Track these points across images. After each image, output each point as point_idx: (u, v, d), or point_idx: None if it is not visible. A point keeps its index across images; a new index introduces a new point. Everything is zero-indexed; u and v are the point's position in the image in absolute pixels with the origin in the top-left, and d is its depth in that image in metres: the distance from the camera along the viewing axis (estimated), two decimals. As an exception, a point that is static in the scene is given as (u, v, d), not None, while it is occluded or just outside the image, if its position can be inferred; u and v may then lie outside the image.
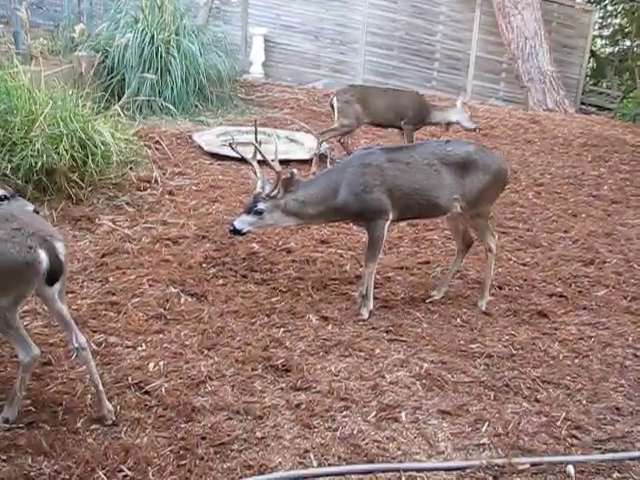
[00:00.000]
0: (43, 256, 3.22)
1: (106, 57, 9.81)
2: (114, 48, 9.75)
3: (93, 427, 3.52)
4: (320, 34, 15.14)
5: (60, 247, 3.33)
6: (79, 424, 3.52)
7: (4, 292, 3.21)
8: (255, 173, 4.96)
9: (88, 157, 6.24)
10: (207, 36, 10.87)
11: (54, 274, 3.30)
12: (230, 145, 5.19)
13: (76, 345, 3.46)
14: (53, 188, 6.08)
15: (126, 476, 3.20)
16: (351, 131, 8.58)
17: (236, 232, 4.91)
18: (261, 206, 4.80)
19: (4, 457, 3.24)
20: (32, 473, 3.16)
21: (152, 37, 9.94)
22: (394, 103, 8.55)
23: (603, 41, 22.73)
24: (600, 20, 20.71)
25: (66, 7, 11.27)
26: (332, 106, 8.48)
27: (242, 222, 4.86)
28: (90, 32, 10.06)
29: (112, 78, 9.56)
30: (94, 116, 6.68)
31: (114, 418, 3.56)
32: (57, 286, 3.36)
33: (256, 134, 5.08)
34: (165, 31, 10.09)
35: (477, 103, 13.42)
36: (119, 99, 8.17)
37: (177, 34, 10.18)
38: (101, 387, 3.54)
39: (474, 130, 8.94)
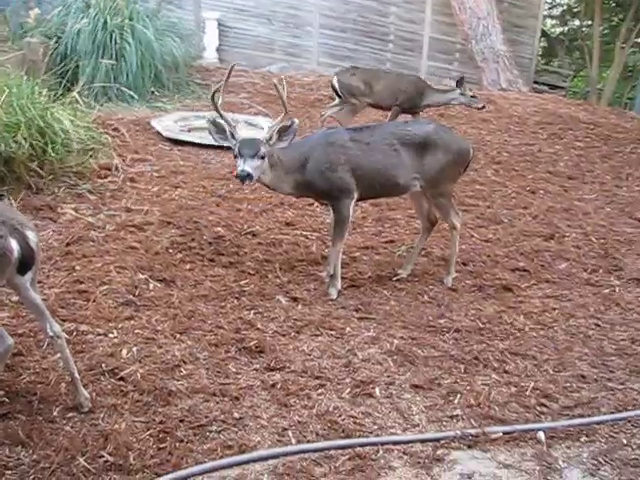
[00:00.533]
0: (14, 245, 3.18)
1: (58, 43, 9.65)
2: (67, 34, 9.62)
3: (70, 415, 3.50)
4: (273, 17, 15.02)
5: (31, 235, 3.29)
6: (55, 413, 3.50)
7: None
8: (226, 121, 4.70)
9: (47, 145, 6.14)
10: (161, 21, 10.77)
11: (26, 263, 3.26)
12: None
13: (51, 334, 3.43)
14: (12, 178, 5.96)
15: (107, 461, 3.19)
16: (356, 110, 8.73)
17: (246, 177, 4.55)
18: (264, 150, 4.59)
19: (-20, 449, 3.22)
20: (10, 464, 3.14)
21: (105, 22, 9.81)
22: (392, 85, 8.63)
23: (553, 21, 23.02)
24: (550, 0, 20.96)
25: (14, -7, 11.04)
26: (333, 87, 8.62)
27: (252, 166, 4.55)
28: (40, 18, 9.90)
29: (66, 65, 9.40)
30: (52, 104, 6.57)
31: (91, 405, 3.55)
32: (29, 275, 3.33)
33: (229, 75, 4.93)
34: (118, 16, 9.97)
35: (432, 84, 13.49)
36: (74, 86, 8.06)
37: (131, 19, 10.07)
38: (77, 375, 3.53)
39: (482, 108, 9.07)
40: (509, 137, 10.13)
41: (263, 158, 4.60)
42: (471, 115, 10.80)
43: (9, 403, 3.54)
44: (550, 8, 21.72)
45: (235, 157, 4.64)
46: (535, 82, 16.72)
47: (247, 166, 4.53)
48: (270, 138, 4.65)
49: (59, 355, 3.64)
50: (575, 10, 21.21)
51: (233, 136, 4.65)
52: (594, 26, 17.75)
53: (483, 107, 9.12)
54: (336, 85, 8.56)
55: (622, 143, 10.74)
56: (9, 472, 3.09)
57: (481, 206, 7.05)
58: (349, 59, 15.09)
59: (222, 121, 4.70)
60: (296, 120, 4.74)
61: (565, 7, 21.99)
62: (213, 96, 4.67)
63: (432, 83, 9.82)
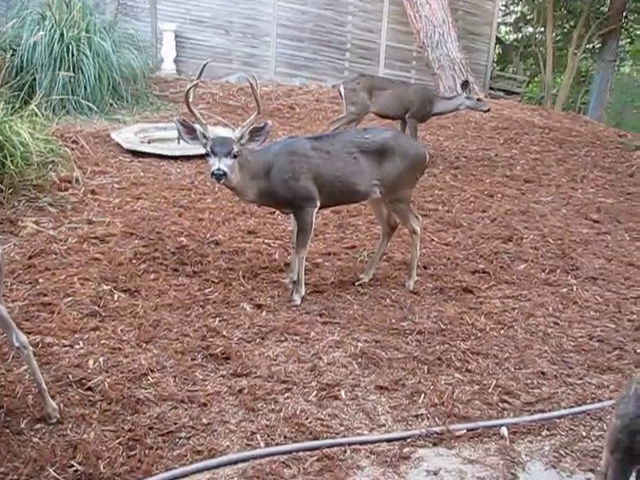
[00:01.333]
0: None
1: (14, 56, 9.58)
2: (22, 47, 9.55)
3: (37, 427, 3.51)
4: (231, 28, 15.07)
5: None
6: (23, 425, 3.50)
7: None
8: (198, 120, 4.65)
9: (6, 158, 6.11)
10: (118, 33, 10.74)
11: None
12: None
13: (17, 344, 3.44)
14: (-29, 191, 5.95)
15: (77, 471, 3.21)
16: (359, 119, 8.82)
17: (222, 175, 4.52)
18: (236, 148, 4.56)
19: (-53, 463, 3.21)
20: (-21, 476, 3.15)
21: (62, 35, 9.76)
22: (400, 95, 8.73)
23: (507, 28, 23.46)
24: (503, 8, 21.35)
25: (-33, 6, 10.95)
26: (340, 93, 8.79)
27: (227, 166, 4.53)
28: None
29: (22, 78, 9.32)
30: (9, 117, 6.54)
31: (59, 416, 3.55)
32: None
33: (201, 73, 4.88)
34: (75, 28, 9.92)
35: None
36: (31, 99, 8.01)
37: (87, 31, 10.02)
38: (44, 385, 3.53)
39: (486, 111, 9.16)
40: (466, 142, 10.31)
41: (235, 157, 4.58)
42: (429, 121, 10.94)
43: (-25, 417, 3.53)
44: (504, 15, 22.15)
45: (207, 156, 4.61)
46: (491, 88, 17.02)
47: (222, 164, 4.51)
48: (241, 137, 4.64)
49: (26, 366, 3.64)
50: (528, 17, 21.65)
51: (204, 135, 4.62)
52: (547, 33, 18.17)
53: (488, 110, 9.22)
54: (342, 92, 8.70)
55: (577, 146, 11.00)
56: (-22, 485, 3.09)
57: (440, 210, 7.17)
58: (306, 68, 15.25)
59: (191, 121, 4.70)
60: (269, 122, 4.76)
61: (519, 14, 22.43)
62: (188, 93, 4.63)
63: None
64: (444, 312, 5.05)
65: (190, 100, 4.65)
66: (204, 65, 4.88)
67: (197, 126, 4.65)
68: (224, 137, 4.66)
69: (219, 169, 4.50)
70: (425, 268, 5.73)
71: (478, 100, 9.05)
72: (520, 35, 22.55)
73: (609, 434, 2.90)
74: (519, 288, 5.56)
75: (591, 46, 19.68)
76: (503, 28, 22.74)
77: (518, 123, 12.02)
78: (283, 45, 15.20)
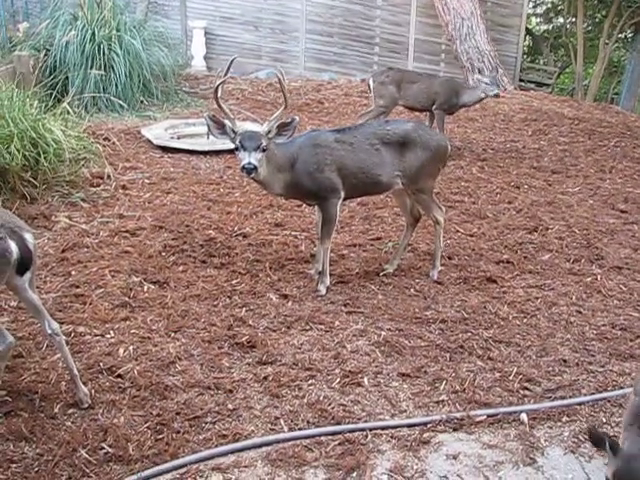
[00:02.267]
0: (13, 246, 3.33)
1: (47, 56, 9.82)
2: (55, 46, 9.77)
3: (70, 411, 3.66)
4: (260, 24, 15.21)
5: (29, 237, 3.45)
6: (56, 410, 3.65)
7: None
8: (227, 115, 4.77)
9: (40, 155, 6.30)
10: (148, 31, 10.94)
11: (24, 263, 3.41)
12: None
13: (49, 331, 3.59)
14: (7, 188, 6.13)
15: (107, 453, 3.35)
16: (387, 112, 8.96)
17: (252, 169, 4.64)
18: (265, 142, 4.67)
19: (-14, 445, 3.37)
20: (15, 457, 3.29)
21: (93, 34, 9.98)
22: (427, 87, 8.82)
23: (538, 19, 23.27)
24: (534, -1, 21.22)
25: (0, 6, 11.17)
26: (369, 86, 8.98)
27: (256, 158, 4.63)
28: (29, 31, 10.05)
29: (55, 77, 9.55)
30: (43, 115, 6.72)
31: (90, 401, 3.70)
32: (27, 275, 3.48)
33: (228, 69, 5.05)
34: (106, 27, 10.13)
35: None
36: (63, 97, 8.20)
37: (118, 30, 10.22)
38: (76, 371, 3.67)
39: (495, 95, 9.18)
40: (494, 134, 10.31)
41: (264, 151, 4.67)
42: (457, 114, 10.94)
43: (12, 402, 3.68)
44: (534, 6, 21.97)
45: (236, 150, 4.73)
46: (521, 80, 16.93)
47: (252, 158, 4.61)
48: (269, 131, 4.72)
49: (59, 353, 3.79)
50: (559, 8, 21.45)
51: (233, 130, 4.73)
52: (577, 23, 17.98)
53: (497, 95, 9.22)
54: (371, 85, 8.82)
55: (606, 137, 10.92)
56: (14, 465, 3.24)
57: (466, 202, 7.21)
58: (336, 63, 15.31)
59: (221, 116, 4.81)
60: (297, 117, 4.84)
61: (549, 5, 22.23)
62: (217, 89, 4.76)
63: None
64: (467, 301, 5.10)
65: (219, 96, 4.76)
66: (231, 61, 5.02)
67: (226, 121, 4.76)
68: (253, 131, 4.73)
69: (250, 163, 4.61)
70: (449, 258, 5.79)
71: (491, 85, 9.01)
72: (551, 26, 22.36)
73: (627, 411, 2.98)
74: (543, 278, 5.59)
75: (623, 36, 19.44)
76: (533, 19, 22.56)
77: (547, 114, 11.97)
78: (312, 40, 15.29)
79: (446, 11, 14.48)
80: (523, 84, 16.70)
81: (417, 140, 5.14)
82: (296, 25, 15.18)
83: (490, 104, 12.11)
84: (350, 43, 15.61)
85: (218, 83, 4.83)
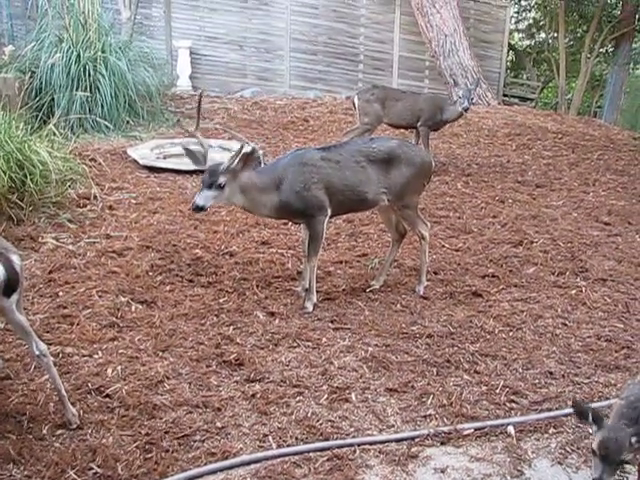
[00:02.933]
0: (1, 269, 3.36)
1: (33, 78, 9.84)
2: (41, 68, 9.80)
3: (59, 432, 3.65)
4: (244, 43, 15.32)
5: (16, 259, 3.47)
6: (45, 431, 3.65)
7: None
8: (202, 145, 4.96)
9: (27, 177, 6.31)
10: (133, 52, 10.98)
11: (11, 285, 3.42)
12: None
13: (37, 352, 3.60)
14: (-7, 210, 6.15)
15: (96, 473, 3.35)
16: (372, 129, 9.00)
17: (199, 209, 4.88)
18: (222, 179, 4.78)
19: (-26, 467, 3.37)
20: (3, 479, 3.30)
21: (78, 56, 10.00)
22: (411, 105, 8.89)
23: (520, 34, 23.51)
24: (516, 14, 21.43)
25: (-14, 30, 11.24)
26: (354, 104, 9.03)
27: (205, 198, 4.82)
28: (14, 54, 10.09)
29: (41, 99, 9.58)
30: (29, 137, 6.74)
31: (79, 422, 3.70)
32: (14, 297, 3.49)
33: (200, 104, 5.27)
34: (91, 49, 10.17)
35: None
36: (49, 119, 8.23)
37: (103, 51, 10.26)
38: (64, 392, 3.68)
39: (466, 110, 9.12)
40: (479, 150, 10.40)
41: (222, 187, 4.79)
42: (441, 130, 11.05)
43: None
44: (516, 22, 22.21)
45: None
46: (505, 95, 17.10)
47: (199, 199, 4.81)
48: (229, 167, 4.79)
49: (47, 375, 3.80)
50: (541, 23, 21.70)
51: (205, 160, 4.88)
52: (559, 38, 18.20)
53: (466, 109, 9.12)
54: (356, 103, 8.90)
55: (590, 150, 11.05)
56: (2, 488, 3.24)
57: (451, 217, 7.27)
58: (321, 81, 15.43)
59: (197, 146, 4.91)
60: (256, 147, 5.02)
61: (531, 21, 22.48)
62: (197, 124, 5.00)
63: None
64: (454, 316, 5.14)
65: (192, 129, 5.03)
66: (200, 95, 5.17)
67: (201, 150, 4.94)
68: (212, 168, 4.84)
69: (194, 203, 4.85)
70: (435, 273, 5.83)
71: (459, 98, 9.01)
72: (533, 41, 22.61)
73: (612, 414, 3.07)
74: (528, 291, 5.64)
75: (604, 50, 19.70)
76: (516, 35, 22.80)
77: (531, 129, 12.10)
78: (297, 59, 15.41)
79: (429, 28, 14.64)
80: (507, 99, 16.87)
81: (402, 157, 5.20)
82: (280, 44, 15.30)
83: (474, 119, 12.25)
84: (335, 61, 15.74)
85: (195, 127, 5.06)
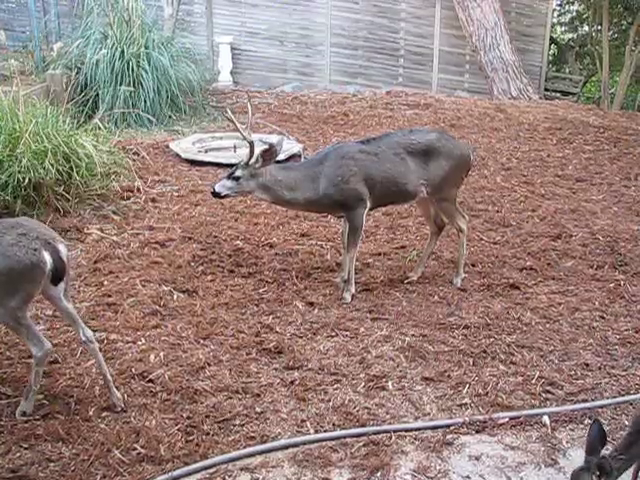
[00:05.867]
0: (47, 257, 3.50)
1: (78, 74, 10.08)
2: (86, 64, 10.03)
3: (104, 414, 3.80)
4: (285, 39, 15.41)
5: (62, 248, 3.62)
6: (91, 412, 3.80)
7: (14, 292, 3.48)
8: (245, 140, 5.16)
9: (73, 170, 6.49)
10: (175, 47, 11.17)
11: (58, 274, 3.58)
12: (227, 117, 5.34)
13: (84, 339, 3.76)
14: (41, 202, 6.32)
15: (139, 453, 3.49)
16: None
17: (216, 195, 5.26)
18: (238, 173, 5.09)
19: (26, 445, 3.53)
20: (53, 457, 3.45)
21: (122, 52, 10.22)
22: None
23: (562, 28, 23.20)
24: (558, 7, 21.16)
25: (35, 28, 11.48)
26: None
27: (222, 186, 5.19)
28: (62, 51, 10.33)
29: (86, 94, 9.79)
30: (75, 131, 6.92)
31: (123, 405, 3.84)
32: (62, 285, 3.65)
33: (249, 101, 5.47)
34: (135, 45, 10.37)
35: (444, 96, 13.78)
36: (94, 114, 8.43)
37: (146, 47, 10.46)
38: (109, 377, 3.83)
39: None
40: (519, 144, 10.34)
41: (237, 179, 5.09)
42: (482, 125, 11.06)
43: (49, 405, 3.85)
44: (559, 15, 21.91)
45: None
46: (546, 89, 16.91)
47: (217, 185, 5.25)
48: (246, 162, 5.06)
49: (93, 360, 3.96)
50: (584, 16, 21.39)
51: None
52: (603, 31, 17.92)
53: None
54: None
55: (632, 145, 10.90)
56: (52, 464, 3.41)
57: (490, 211, 7.27)
58: (361, 75, 15.46)
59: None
60: (274, 142, 5.17)
61: (574, 13, 22.17)
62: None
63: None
64: (490, 308, 5.18)
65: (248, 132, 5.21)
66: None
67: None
68: (238, 162, 5.18)
69: (212, 188, 5.32)
70: (473, 266, 5.86)
71: None
72: (576, 34, 22.29)
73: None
74: (566, 284, 5.64)
75: (649, 43, 19.38)
76: (558, 28, 22.50)
77: (572, 123, 11.97)
78: (337, 54, 15.45)
79: (470, 22, 14.56)
80: (548, 93, 16.69)
81: (441, 149, 5.24)
82: (321, 39, 15.35)
83: (515, 114, 12.17)
84: (375, 56, 15.74)
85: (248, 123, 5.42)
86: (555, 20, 20.55)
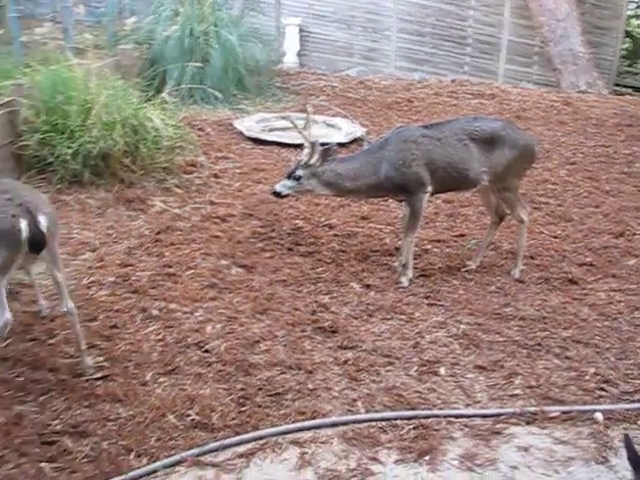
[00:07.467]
0: (23, 225, 3.52)
1: (149, 49, 10.25)
2: (156, 41, 10.18)
3: (160, 380, 3.92)
4: (352, 22, 15.35)
5: (42, 219, 3.60)
6: (148, 377, 3.93)
7: None
8: (306, 141, 5.32)
9: (140, 142, 6.65)
10: (244, 27, 11.25)
11: (36, 242, 3.60)
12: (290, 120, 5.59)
13: (65, 309, 3.88)
14: (108, 172, 6.49)
15: (193, 420, 3.59)
16: None
17: (277, 194, 5.41)
18: (299, 172, 5.24)
19: (86, 403, 3.67)
20: (111, 416, 3.59)
21: (192, 29, 10.33)
22: None
23: (639, 21, 22.59)
24: (636, 0, 20.59)
25: (109, 3, 11.67)
26: None
27: (282, 186, 5.35)
28: (134, 26, 10.52)
29: (155, 69, 9.93)
30: (143, 104, 7.06)
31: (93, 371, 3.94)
32: (45, 254, 3.72)
33: (308, 117, 5.52)
34: (204, 23, 10.48)
35: (509, 87, 13.60)
36: (162, 89, 8.57)
37: (216, 25, 10.56)
38: (83, 345, 3.95)
39: None
40: (585, 139, 10.14)
41: (298, 179, 5.24)
42: (548, 117, 10.88)
43: (108, 367, 3.99)
44: (637, 7, 21.34)
45: None
46: (617, 85, 16.50)
47: (278, 186, 5.42)
48: (306, 162, 5.21)
49: (148, 327, 4.25)
50: (662, 9, 20.79)
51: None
52: (680, 26, 17.41)
53: None
54: None
55: (703, 145, 10.60)
56: (110, 423, 3.54)
57: (552, 204, 7.18)
58: (426, 63, 15.32)
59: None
60: (333, 142, 5.39)
61: (651, 7, 21.56)
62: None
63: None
64: (548, 301, 5.12)
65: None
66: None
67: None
68: (298, 161, 5.38)
69: (273, 189, 5.48)
70: (532, 258, 5.80)
71: None
72: (652, 29, 21.70)
73: None
74: (627, 282, 5.53)
75: None
76: (634, 21, 21.91)
77: (642, 120, 11.70)
78: (403, 39, 15.32)
79: (541, 12, 14.28)
80: (619, 88, 16.30)
81: (505, 138, 5.20)
82: (388, 24, 15.24)
83: (582, 107, 11.94)
84: (442, 43, 15.56)
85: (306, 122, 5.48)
86: (631, 12, 20.00)
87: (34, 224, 3.57)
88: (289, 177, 5.30)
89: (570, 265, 5.74)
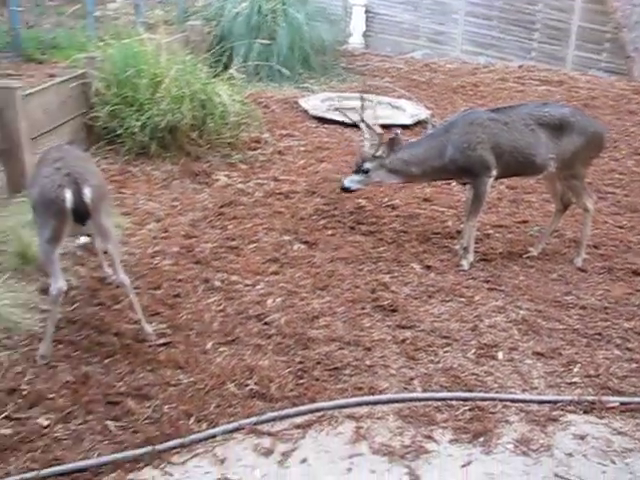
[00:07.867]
0: (68, 195, 3.58)
1: (217, 26, 10.36)
2: (225, 17, 10.28)
3: (221, 349, 4.01)
4: (419, 4, 15.21)
5: (87, 191, 3.64)
6: (208, 346, 4.02)
7: (45, 224, 3.66)
8: (365, 134, 5.39)
9: (207, 117, 6.75)
10: (311, 6, 11.28)
11: (80, 213, 3.65)
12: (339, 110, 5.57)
13: (118, 281, 3.95)
14: (175, 145, 6.62)
15: (252, 389, 3.67)
16: None
17: (345, 190, 5.48)
18: (368, 165, 5.28)
19: (149, 368, 3.79)
20: (172, 382, 3.69)
21: (260, 7, 10.42)
22: None
23: None
24: None
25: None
26: None
27: (351, 181, 5.41)
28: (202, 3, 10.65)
29: (223, 46, 10.03)
30: (211, 80, 7.16)
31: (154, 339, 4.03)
32: (91, 225, 3.78)
33: (363, 103, 5.53)
34: (272, 1, 10.55)
35: (578, 74, 13.31)
36: (229, 65, 8.66)
37: (283, 4, 10.65)
38: (141, 315, 4.02)
39: None
40: (656, 130, 9.91)
41: (367, 172, 5.31)
42: (617, 106, 10.63)
43: (170, 335, 4.10)
44: None
45: None
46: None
47: (346, 181, 5.47)
48: (374, 155, 5.28)
49: (212, 297, 4.21)
50: None
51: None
52: None
53: None
54: None
55: None
56: (171, 388, 3.65)
57: (618, 194, 7.04)
58: (493, 47, 15.10)
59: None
60: (399, 131, 5.34)
61: None
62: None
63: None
64: (610, 291, 5.05)
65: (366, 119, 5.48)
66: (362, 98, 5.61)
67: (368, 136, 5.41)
68: (363, 154, 5.38)
69: (342, 184, 5.52)
70: (595, 248, 5.71)
71: None
72: None
73: None
74: (696, 277, 5.42)
75: None
76: None
77: None
78: (471, 23, 15.12)
79: (616, -3, 13.93)
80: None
81: (574, 125, 5.13)
82: (456, 7, 15.06)
83: (653, 98, 11.64)
84: (509, 27, 15.30)
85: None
86: None
87: (79, 195, 3.62)
88: (357, 171, 5.36)
89: (635, 256, 5.64)
